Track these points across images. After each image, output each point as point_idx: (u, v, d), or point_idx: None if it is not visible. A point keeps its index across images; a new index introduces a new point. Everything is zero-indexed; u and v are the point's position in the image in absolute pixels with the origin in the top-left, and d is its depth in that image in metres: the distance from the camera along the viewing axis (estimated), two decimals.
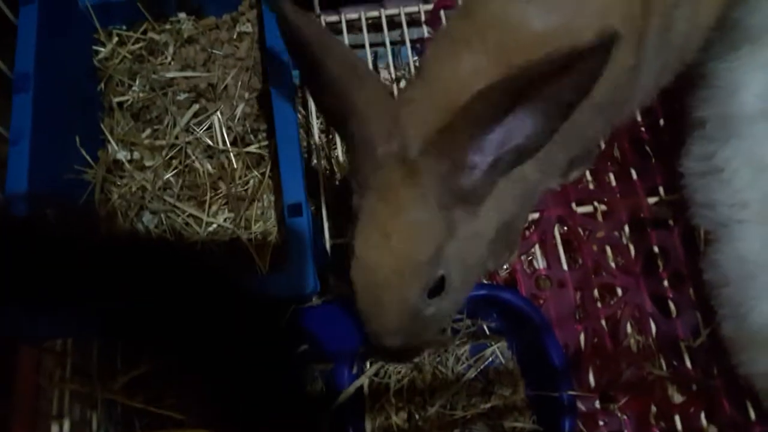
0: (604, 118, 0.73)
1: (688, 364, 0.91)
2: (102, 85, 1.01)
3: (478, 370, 0.88)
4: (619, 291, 0.95)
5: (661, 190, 1.00)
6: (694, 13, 0.75)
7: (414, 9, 1.18)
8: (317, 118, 1.16)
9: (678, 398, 0.92)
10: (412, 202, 0.59)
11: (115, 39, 1.04)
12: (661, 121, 1.05)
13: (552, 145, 0.64)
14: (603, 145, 1.04)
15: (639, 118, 1.06)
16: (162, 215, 0.92)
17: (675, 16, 0.72)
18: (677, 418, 0.88)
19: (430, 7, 1.17)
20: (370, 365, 0.86)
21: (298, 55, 0.64)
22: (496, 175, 0.60)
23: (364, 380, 0.82)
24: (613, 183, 1.02)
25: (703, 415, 0.89)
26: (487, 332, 0.90)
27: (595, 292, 0.94)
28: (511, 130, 0.56)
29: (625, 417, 0.88)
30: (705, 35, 0.82)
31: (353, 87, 0.60)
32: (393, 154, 0.60)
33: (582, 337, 0.92)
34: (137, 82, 1.01)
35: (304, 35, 0.62)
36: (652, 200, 1.00)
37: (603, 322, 0.93)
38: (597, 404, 0.88)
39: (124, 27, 1.05)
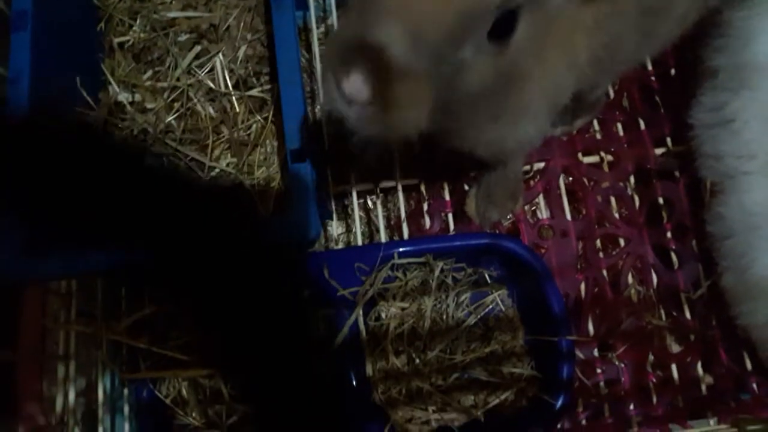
0: (639, 34, 0.69)
1: (688, 315, 0.92)
2: (102, 24, 0.98)
3: (479, 316, 0.89)
4: (622, 242, 0.95)
5: (668, 141, 0.99)
6: None
7: None
8: (321, 62, 1.13)
9: (676, 348, 0.93)
10: None
11: None
12: (672, 71, 1.03)
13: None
14: (612, 94, 1.03)
15: (650, 67, 1.03)
16: (164, 159, 0.91)
17: None
18: (674, 367, 0.90)
19: None
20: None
21: None
22: None
23: (354, 317, 0.82)
24: (621, 133, 1.00)
25: (699, 365, 0.90)
26: (489, 281, 0.90)
27: (598, 243, 0.95)
28: None
29: (622, 365, 0.89)
30: None
31: None
32: None
33: (583, 286, 0.93)
34: (138, 21, 0.98)
35: None
36: (659, 151, 0.98)
37: (604, 272, 0.93)
38: (595, 352, 0.90)
39: None
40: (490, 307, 0.90)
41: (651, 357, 0.91)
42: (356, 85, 0.47)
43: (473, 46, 0.49)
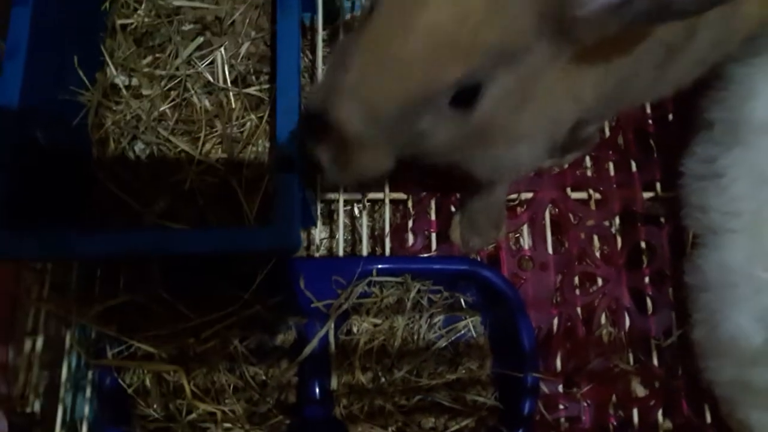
0: (654, 75, 0.68)
1: (655, 361, 0.92)
2: (107, 4, 0.97)
3: (449, 340, 0.89)
4: (600, 281, 0.96)
5: (658, 186, 0.99)
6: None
7: None
8: (324, 64, 1.13)
9: (640, 391, 0.94)
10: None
11: None
12: (670, 116, 1.04)
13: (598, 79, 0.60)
14: (607, 133, 1.03)
15: (648, 110, 1.04)
16: (154, 147, 0.91)
17: None
18: (635, 411, 0.90)
19: None
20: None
21: None
22: (615, 19, 0.49)
23: (325, 330, 0.82)
24: (612, 172, 1.01)
25: (660, 411, 0.91)
26: (464, 306, 0.91)
27: (576, 279, 0.95)
28: None
29: (585, 403, 0.90)
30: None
31: None
32: None
33: (556, 321, 0.93)
34: (143, 5, 0.97)
35: None
36: (647, 195, 0.99)
37: (579, 310, 0.94)
38: (560, 388, 0.90)
39: None
40: (462, 332, 0.90)
41: (614, 398, 0.91)
42: (318, 152, 0.58)
43: (432, 116, 0.52)
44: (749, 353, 0.77)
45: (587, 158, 1.01)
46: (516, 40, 0.50)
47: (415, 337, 0.88)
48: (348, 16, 1.17)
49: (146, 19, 0.96)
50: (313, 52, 1.14)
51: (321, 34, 1.11)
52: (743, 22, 0.73)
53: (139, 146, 0.92)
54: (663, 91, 0.84)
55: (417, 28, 0.47)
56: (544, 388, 0.88)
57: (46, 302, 0.90)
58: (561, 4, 0.49)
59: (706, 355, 0.84)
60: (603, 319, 0.94)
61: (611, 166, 1.01)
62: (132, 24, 0.97)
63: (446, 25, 0.47)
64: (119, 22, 0.96)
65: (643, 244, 0.97)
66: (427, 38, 0.47)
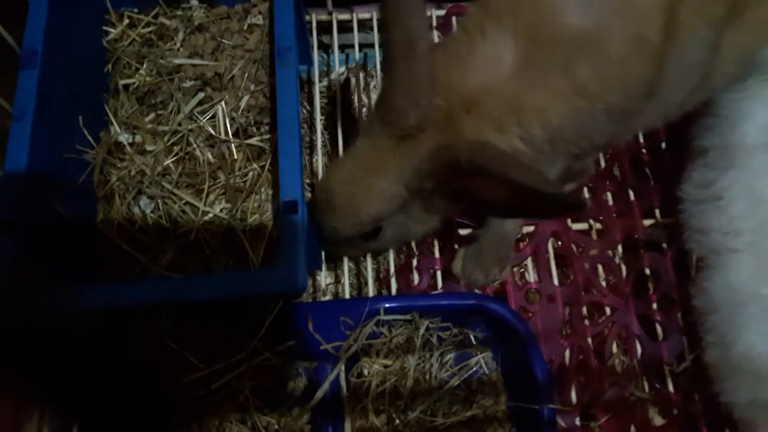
0: (613, 128, 0.72)
1: (671, 387, 0.91)
2: (109, 66, 1.01)
3: (462, 378, 0.88)
4: (608, 310, 0.96)
5: (657, 212, 1.01)
6: (747, 42, 0.75)
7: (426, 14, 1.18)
8: (321, 115, 1.16)
9: (658, 420, 0.92)
10: (389, 172, 0.71)
11: (126, 21, 1.04)
12: (663, 145, 1.06)
13: (562, 154, 0.65)
14: (603, 164, 1.05)
15: (641, 140, 1.06)
16: (159, 201, 0.92)
17: (724, 40, 0.71)
18: None
19: (442, 12, 1.17)
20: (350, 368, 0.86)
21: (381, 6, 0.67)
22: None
23: (336, 372, 0.81)
24: (610, 202, 1.02)
25: None
26: (474, 342, 0.90)
27: (584, 310, 0.95)
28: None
29: None
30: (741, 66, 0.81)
31: (402, 56, 0.65)
32: (402, 122, 0.67)
33: (567, 353, 0.93)
34: (144, 65, 1.01)
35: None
36: (647, 222, 1.00)
37: (589, 340, 0.93)
38: (577, 421, 0.89)
39: (136, 10, 1.05)
40: (474, 369, 0.89)
41: (633, 428, 0.90)
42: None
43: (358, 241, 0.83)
44: (765, 372, 0.77)
45: (585, 189, 1.03)
46: (393, 206, 0.74)
47: (427, 377, 0.87)
48: (342, 69, 1.21)
49: (148, 78, 1.00)
50: (311, 102, 1.17)
51: (318, 86, 1.15)
52: (727, 57, 0.76)
53: (144, 201, 0.93)
54: (647, 126, 0.88)
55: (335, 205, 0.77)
56: (561, 422, 0.87)
57: None
58: (419, 187, 0.70)
59: (722, 378, 0.83)
60: (614, 348, 0.93)
61: (609, 196, 1.03)
62: (134, 83, 1.00)
63: (344, 206, 0.76)
64: (122, 82, 1.00)
65: (647, 271, 0.97)
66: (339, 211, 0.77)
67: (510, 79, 0.66)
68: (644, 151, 1.05)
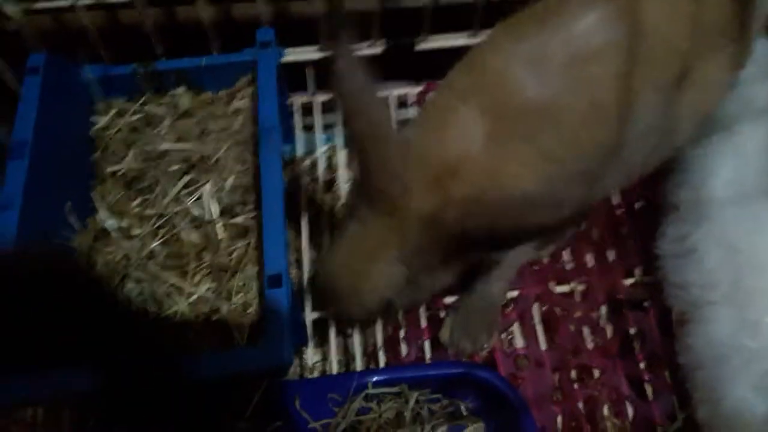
0: (580, 190, 0.76)
1: None
2: (97, 153, 1.04)
3: None
4: (596, 372, 0.95)
5: (637, 271, 1.02)
6: (699, 101, 0.79)
7: (403, 92, 1.24)
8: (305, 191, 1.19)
9: None
10: (387, 254, 0.72)
11: (114, 110, 1.07)
12: (637, 205, 1.09)
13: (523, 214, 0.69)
14: (582, 226, 1.07)
15: (615, 201, 1.09)
16: (145, 284, 0.93)
17: (678, 101, 0.75)
18: None
19: (420, 88, 1.22)
20: None
21: (337, 96, 0.68)
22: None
23: None
24: (591, 264, 1.04)
25: None
26: (465, 413, 0.89)
27: (573, 373, 0.95)
28: None
29: None
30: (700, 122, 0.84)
31: (370, 144, 0.67)
32: (387, 199, 0.69)
33: (559, 419, 0.92)
34: (131, 152, 1.03)
35: (342, 87, 0.66)
36: (628, 281, 1.01)
37: (580, 405, 0.92)
38: None
39: (124, 99, 1.09)
40: None
41: None
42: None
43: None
44: (756, 424, 0.76)
45: (565, 253, 1.05)
46: (398, 287, 0.76)
47: None
48: (324, 148, 1.25)
49: (134, 164, 1.02)
50: (296, 180, 1.20)
51: (301, 166, 1.19)
52: (684, 117, 0.80)
53: (129, 285, 0.94)
54: (612, 187, 0.92)
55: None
56: None
57: None
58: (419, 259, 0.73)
59: None
60: (606, 411, 0.93)
61: (589, 257, 1.05)
62: (121, 170, 1.02)
63: (349, 295, 0.78)
64: (109, 169, 1.02)
65: (632, 330, 0.98)
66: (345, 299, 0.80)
67: (483, 151, 0.69)
68: (619, 211, 1.08)
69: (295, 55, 1.14)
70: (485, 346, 0.95)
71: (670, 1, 0.70)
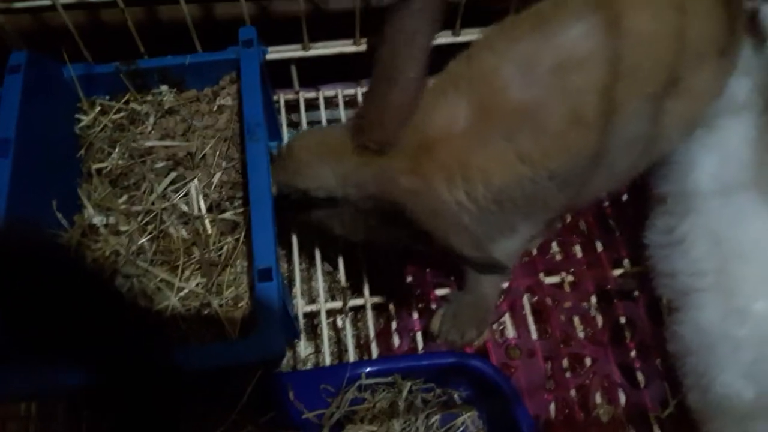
0: (564, 194, 0.77)
1: None
2: (82, 151, 1.03)
3: None
4: (588, 361, 0.96)
5: (626, 262, 1.03)
6: (687, 110, 0.80)
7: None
8: None
9: None
10: (336, 167, 0.77)
11: (98, 108, 1.06)
12: (624, 197, 1.10)
13: (514, 215, 0.69)
14: (569, 218, 1.08)
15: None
16: (134, 279, 0.92)
17: (664, 111, 0.76)
18: None
19: None
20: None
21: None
22: None
23: None
24: (579, 255, 1.05)
25: None
26: (458, 402, 0.89)
27: (565, 362, 0.95)
28: None
29: None
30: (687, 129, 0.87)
31: (383, 80, 0.69)
32: (367, 136, 0.72)
33: (552, 407, 0.92)
34: (117, 149, 1.03)
35: (408, 20, 0.67)
36: (617, 272, 1.02)
37: (573, 393, 0.93)
38: None
39: (107, 97, 1.08)
40: (461, 429, 0.88)
41: None
42: None
43: None
44: (745, 409, 0.77)
45: (554, 244, 1.05)
46: (321, 194, 0.82)
47: None
48: None
49: (120, 162, 1.01)
50: None
51: None
52: (669, 125, 0.81)
53: (119, 281, 0.93)
54: (600, 192, 0.94)
55: None
56: None
57: None
58: (352, 196, 0.78)
59: (705, 420, 0.83)
60: (598, 399, 0.93)
61: (578, 249, 1.05)
62: (107, 167, 1.01)
63: (288, 167, 0.87)
64: (94, 166, 1.01)
65: (622, 320, 0.98)
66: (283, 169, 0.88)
67: (462, 136, 0.71)
68: (606, 204, 1.09)
69: (278, 53, 1.14)
70: (474, 341, 0.95)
71: (656, 13, 0.71)
